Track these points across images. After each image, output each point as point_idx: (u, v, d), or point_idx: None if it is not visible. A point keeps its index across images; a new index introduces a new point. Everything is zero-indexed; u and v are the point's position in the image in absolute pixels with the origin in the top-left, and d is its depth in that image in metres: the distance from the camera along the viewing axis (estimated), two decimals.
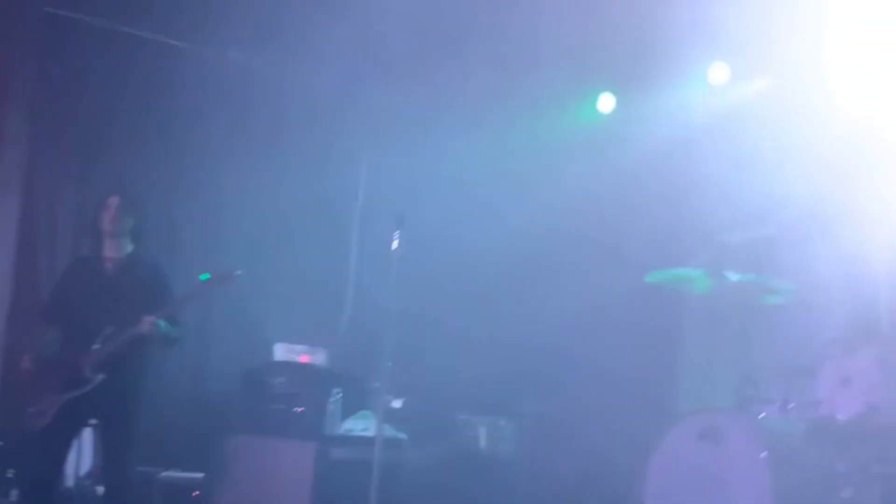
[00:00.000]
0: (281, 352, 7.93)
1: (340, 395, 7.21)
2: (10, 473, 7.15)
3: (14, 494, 7.06)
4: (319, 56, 7.99)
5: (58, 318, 6.32)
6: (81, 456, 7.15)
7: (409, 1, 7.16)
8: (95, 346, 6.08)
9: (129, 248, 6.36)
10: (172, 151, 8.24)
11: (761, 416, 6.36)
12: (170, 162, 8.25)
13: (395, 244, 6.34)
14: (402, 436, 7.35)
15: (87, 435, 6.96)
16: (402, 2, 7.16)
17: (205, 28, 7.96)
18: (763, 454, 5.98)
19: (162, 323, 6.11)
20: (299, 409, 7.16)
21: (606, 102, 8.67)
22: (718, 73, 7.95)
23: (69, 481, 7.05)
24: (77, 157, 8.00)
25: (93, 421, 6.29)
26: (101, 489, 6.57)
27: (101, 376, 6.05)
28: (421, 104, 8.70)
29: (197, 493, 7.34)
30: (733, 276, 6.58)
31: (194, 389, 8.16)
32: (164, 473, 7.38)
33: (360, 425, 7.22)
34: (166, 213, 8.12)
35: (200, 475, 7.36)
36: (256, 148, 8.40)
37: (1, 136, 7.66)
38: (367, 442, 6.61)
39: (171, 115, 8.18)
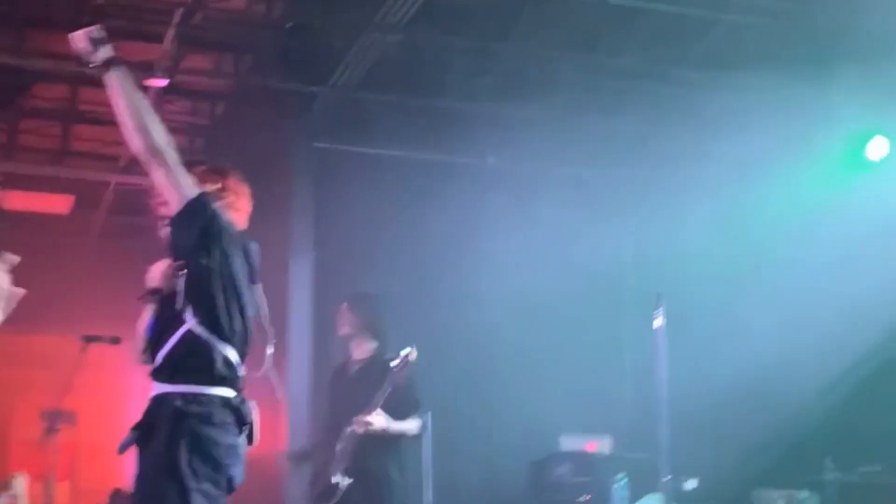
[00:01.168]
0: (567, 442, 7.98)
1: (626, 479, 7.14)
2: None
3: None
4: (575, 145, 8.13)
5: (328, 426, 6.34)
6: None
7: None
8: (337, 451, 5.97)
9: (373, 346, 6.28)
10: (437, 253, 8.55)
11: None
12: (437, 263, 8.57)
13: (657, 322, 6.28)
14: None
15: None
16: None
17: (456, 142, 8.40)
18: None
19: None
20: (586, 498, 7.15)
21: (879, 147, 8.25)
22: None
23: None
24: (353, 267, 8.39)
25: None
26: None
27: (346, 482, 5.90)
28: (682, 174, 8.65)
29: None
30: None
31: (483, 484, 8.29)
32: None
33: None
34: (440, 310, 8.42)
35: None
36: (521, 240, 8.57)
37: (288, 256, 8.34)
38: None
39: (436, 220, 8.47)
